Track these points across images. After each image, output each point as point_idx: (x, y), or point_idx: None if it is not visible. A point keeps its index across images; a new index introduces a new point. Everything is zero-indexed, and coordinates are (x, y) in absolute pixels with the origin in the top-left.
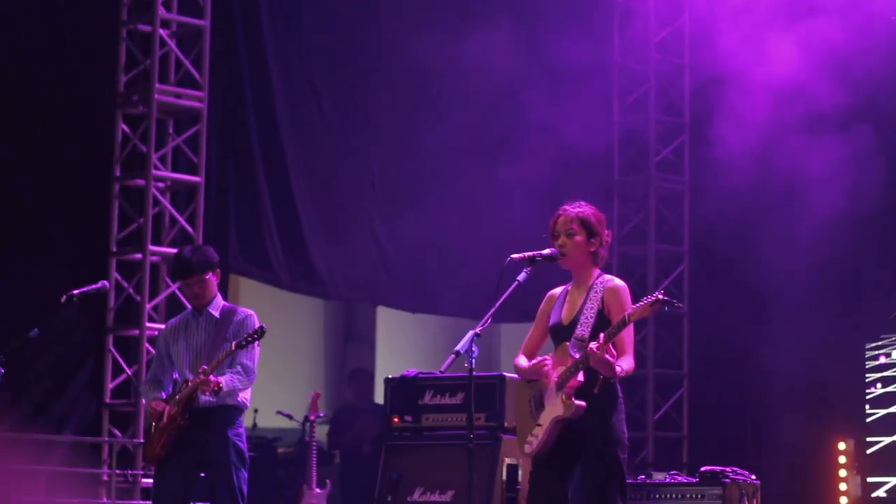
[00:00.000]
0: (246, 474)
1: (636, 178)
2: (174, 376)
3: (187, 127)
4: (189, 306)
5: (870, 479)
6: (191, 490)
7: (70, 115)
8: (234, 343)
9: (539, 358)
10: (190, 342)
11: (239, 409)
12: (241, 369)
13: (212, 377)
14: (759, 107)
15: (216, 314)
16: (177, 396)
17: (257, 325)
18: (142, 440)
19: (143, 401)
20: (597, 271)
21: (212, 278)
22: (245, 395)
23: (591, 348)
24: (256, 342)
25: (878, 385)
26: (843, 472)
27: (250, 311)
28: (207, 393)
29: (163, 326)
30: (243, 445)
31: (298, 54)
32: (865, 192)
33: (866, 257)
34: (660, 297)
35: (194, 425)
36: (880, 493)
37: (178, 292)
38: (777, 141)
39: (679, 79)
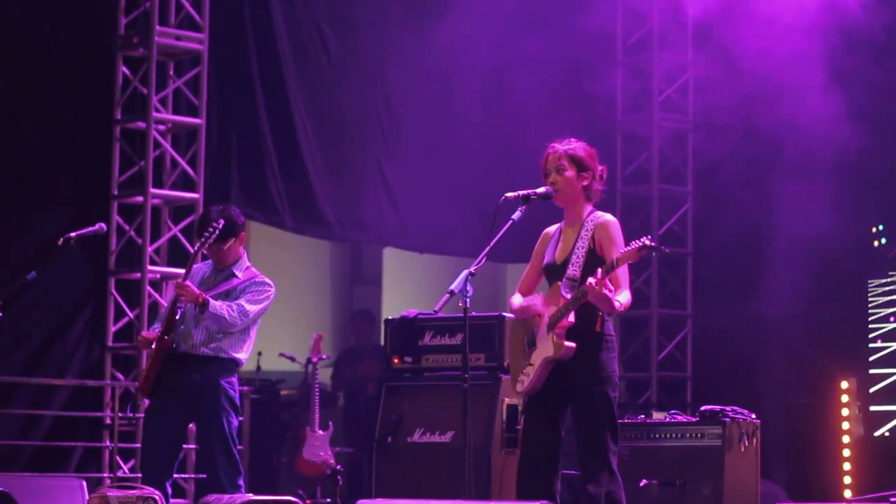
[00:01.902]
0: (236, 421)
1: (639, 118)
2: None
3: (188, 69)
4: None
5: (873, 409)
6: (182, 434)
7: (71, 58)
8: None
9: (528, 300)
10: (203, 290)
11: (234, 362)
12: (235, 306)
13: (197, 290)
14: (760, 47)
15: (238, 274)
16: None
17: (270, 293)
18: None
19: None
20: (589, 207)
21: (234, 244)
22: (241, 351)
23: (588, 284)
24: (267, 300)
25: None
26: (845, 411)
27: (268, 280)
28: (190, 303)
29: (165, 269)
30: (235, 394)
31: None
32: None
33: (869, 196)
34: (647, 242)
35: (188, 370)
36: (883, 431)
37: (179, 235)
38: (783, 79)
39: (684, 16)
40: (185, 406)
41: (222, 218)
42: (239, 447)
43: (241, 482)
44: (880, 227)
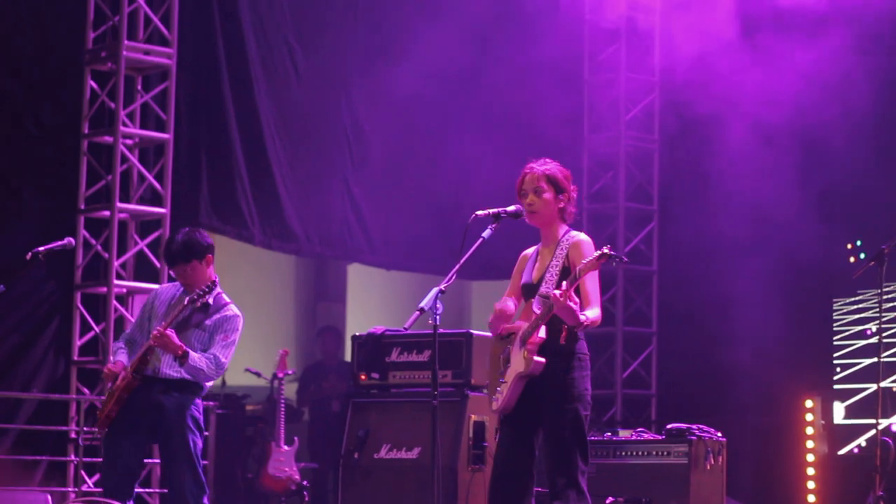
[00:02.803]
0: (201, 442)
1: (605, 136)
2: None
3: (156, 83)
4: None
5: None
6: (142, 454)
7: (39, 72)
8: (187, 299)
9: (500, 302)
10: (169, 314)
11: (200, 387)
12: (212, 357)
13: (175, 338)
14: (725, 49)
15: (209, 300)
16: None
17: (239, 328)
18: None
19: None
20: (564, 227)
21: (199, 266)
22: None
23: (553, 294)
24: (232, 340)
25: (838, 368)
26: (809, 430)
27: (238, 313)
28: (170, 355)
29: (131, 283)
30: (199, 414)
31: (270, 8)
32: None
33: (834, 209)
34: (606, 251)
35: (152, 392)
36: (847, 450)
37: (146, 249)
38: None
39: (650, 36)
40: (147, 427)
41: (186, 241)
42: (203, 463)
43: (205, 500)
44: (858, 243)
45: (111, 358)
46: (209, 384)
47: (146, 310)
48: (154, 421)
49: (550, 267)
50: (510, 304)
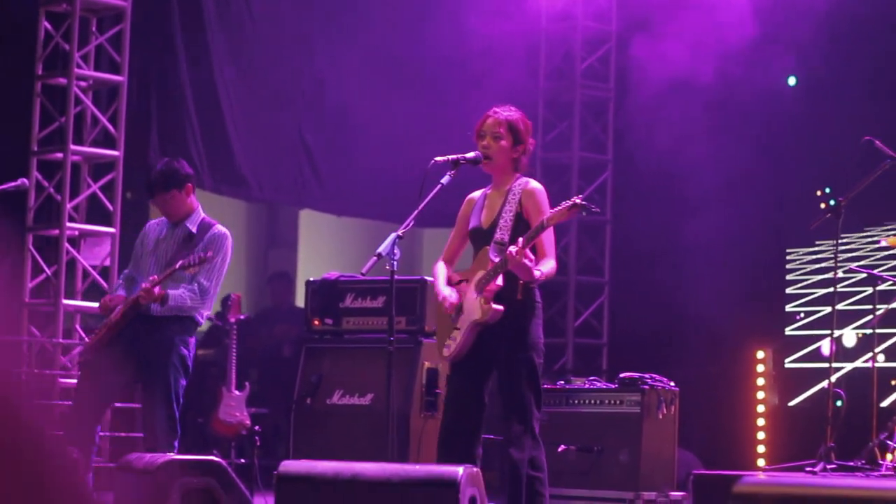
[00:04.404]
0: (185, 382)
1: (561, 85)
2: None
3: (111, 25)
4: None
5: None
6: (114, 392)
7: None
8: (179, 263)
9: (444, 296)
10: (159, 250)
11: (194, 321)
12: (196, 287)
13: (157, 289)
14: (685, 23)
15: (192, 228)
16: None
17: (228, 245)
18: (60, 340)
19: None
20: (516, 175)
21: (178, 195)
22: (202, 312)
23: (509, 252)
24: (223, 262)
25: (802, 315)
26: (760, 381)
27: (224, 231)
28: (151, 303)
29: (84, 226)
30: (188, 353)
31: None
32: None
33: (789, 163)
34: (578, 201)
35: (143, 330)
36: (797, 401)
37: (98, 192)
38: (701, 52)
39: None
40: (133, 366)
41: (165, 170)
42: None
43: (176, 444)
44: (827, 190)
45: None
46: (205, 315)
47: (137, 248)
48: (140, 359)
49: (504, 213)
50: (453, 300)
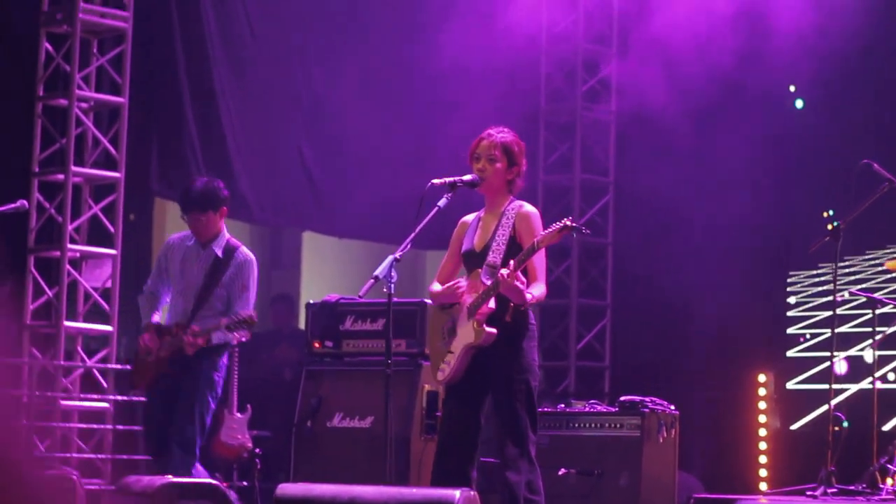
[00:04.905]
0: (213, 406)
1: (562, 107)
2: (167, 293)
3: (112, 47)
4: None
5: (790, 386)
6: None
7: None
8: (223, 321)
9: (453, 281)
10: (186, 270)
11: (227, 345)
12: (234, 317)
13: (200, 339)
14: (687, 46)
15: (218, 252)
16: (168, 337)
17: (256, 270)
18: (62, 362)
19: (140, 311)
20: (510, 198)
21: (213, 216)
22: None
23: (500, 275)
24: (253, 288)
25: (807, 336)
26: (762, 404)
27: (250, 257)
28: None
29: (85, 248)
30: (219, 378)
31: None
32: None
33: (791, 186)
34: (567, 223)
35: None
36: (799, 424)
37: (100, 213)
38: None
39: (609, 6)
40: (174, 385)
41: (205, 190)
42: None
43: (196, 466)
44: (831, 212)
45: (143, 314)
46: (234, 339)
47: (161, 262)
48: (179, 380)
49: (497, 236)
50: (462, 283)
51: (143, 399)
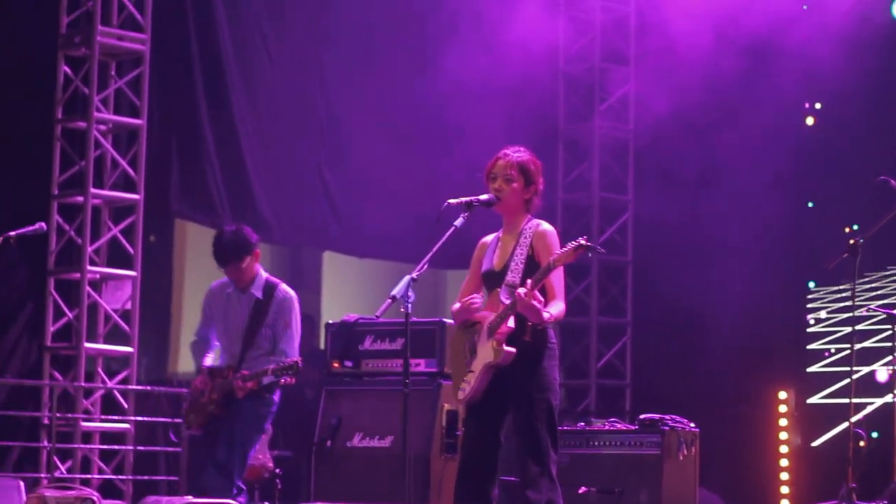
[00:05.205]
0: (256, 444)
1: (580, 127)
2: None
3: (130, 69)
4: None
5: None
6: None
7: (12, 57)
8: (270, 368)
9: (468, 297)
10: (229, 315)
11: (276, 383)
12: (281, 358)
13: (250, 384)
14: (701, 49)
15: (258, 294)
16: (218, 380)
17: (297, 307)
18: (83, 384)
19: (193, 357)
20: (528, 217)
21: (249, 261)
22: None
23: (518, 294)
24: (297, 325)
25: (832, 351)
26: (783, 421)
27: (290, 294)
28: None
29: (105, 269)
30: (267, 413)
31: None
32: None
33: (811, 202)
34: (582, 242)
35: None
36: (820, 441)
37: (119, 235)
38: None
39: (625, 25)
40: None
41: (235, 240)
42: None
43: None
44: (855, 227)
45: (196, 358)
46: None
47: (206, 309)
48: (228, 417)
49: (515, 256)
50: (477, 298)
51: (163, 420)
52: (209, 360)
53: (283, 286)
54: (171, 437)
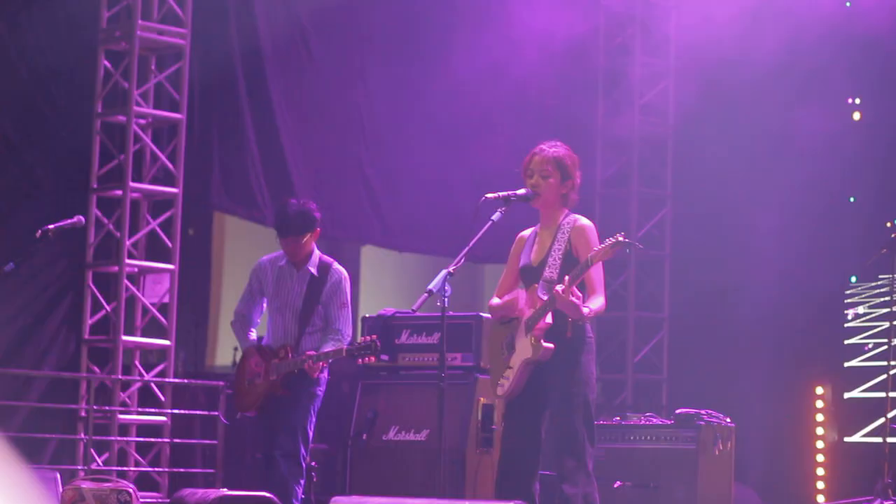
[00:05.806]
0: (314, 419)
1: (619, 122)
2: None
3: (170, 63)
4: None
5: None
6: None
7: (51, 52)
8: (345, 349)
9: (512, 294)
10: (283, 291)
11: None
12: (339, 336)
13: (319, 364)
14: (741, 44)
15: (314, 271)
16: (276, 360)
17: (349, 286)
18: (120, 376)
19: (236, 336)
20: (566, 211)
21: (309, 238)
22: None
23: (556, 291)
24: (348, 304)
25: (871, 345)
26: (819, 417)
27: (344, 273)
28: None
29: (143, 263)
30: (320, 391)
31: None
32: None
33: (848, 204)
34: (620, 238)
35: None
36: (856, 438)
37: (157, 229)
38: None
39: (665, 22)
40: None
41: (301, 213)
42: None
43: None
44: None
45: (240, 339)
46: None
47: (253, 284)
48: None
49: (553, 251)
50: (522, 296)
51: (200, 413)
52: (254, 335)
53: (337, 265)
54: (223, 421)
